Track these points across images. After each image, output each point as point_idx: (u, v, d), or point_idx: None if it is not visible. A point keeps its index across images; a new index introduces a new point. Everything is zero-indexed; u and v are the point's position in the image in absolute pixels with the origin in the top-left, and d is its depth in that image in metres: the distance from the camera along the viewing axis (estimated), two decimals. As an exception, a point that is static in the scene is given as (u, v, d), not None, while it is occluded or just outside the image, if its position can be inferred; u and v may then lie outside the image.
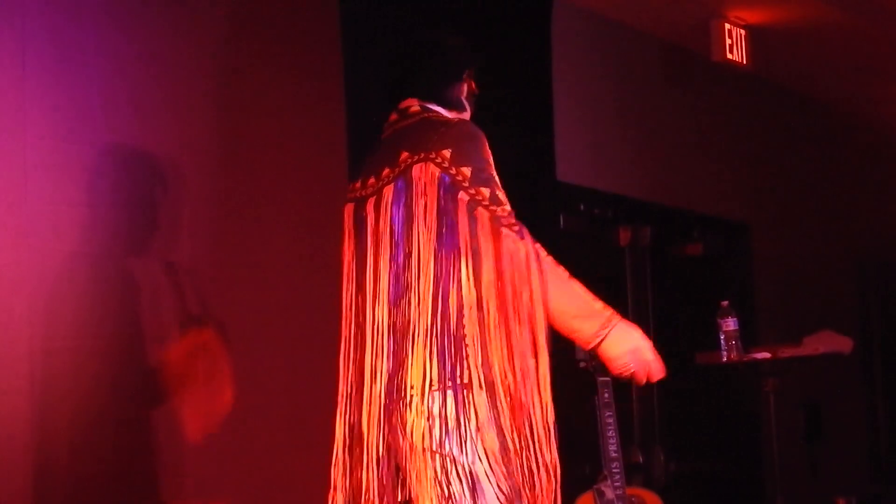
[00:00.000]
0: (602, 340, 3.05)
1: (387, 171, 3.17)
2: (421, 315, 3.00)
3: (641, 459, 6.93)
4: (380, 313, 3.10)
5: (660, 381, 3.16)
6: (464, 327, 2.96)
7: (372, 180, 3.20)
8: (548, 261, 3.06)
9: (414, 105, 3.25)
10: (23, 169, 3.95)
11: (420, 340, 2.99)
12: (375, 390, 3.08)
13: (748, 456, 7.69)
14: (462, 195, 3.01)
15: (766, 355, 5.36)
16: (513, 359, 2.95)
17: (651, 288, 7.26)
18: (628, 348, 3.07)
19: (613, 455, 4.89)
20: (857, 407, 9.31)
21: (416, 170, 3.08)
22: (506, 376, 2.94)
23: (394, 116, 3.28)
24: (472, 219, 2.99)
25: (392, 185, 3.13)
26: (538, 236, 3.12)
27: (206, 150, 4.52)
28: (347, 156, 4.94)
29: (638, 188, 7.18)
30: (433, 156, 3.06)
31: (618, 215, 7.16)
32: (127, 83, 4.28)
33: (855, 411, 9.24)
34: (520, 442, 2.93)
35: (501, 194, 3.05)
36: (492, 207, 3.00)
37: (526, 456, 2.93)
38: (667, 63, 7.49)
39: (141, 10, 4.36)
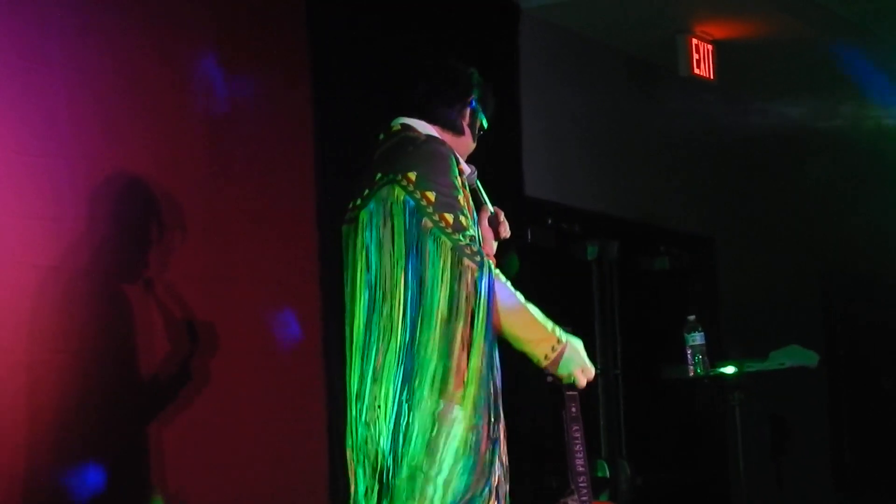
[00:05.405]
0: (550, 364, 3.22)
1: (366, 192, 3.21)
2: (385, 337, 3.09)
3: (608, 473, 6.93)
4: (357, 334, 3.17)
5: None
6: (422, 350, 3.06)
7: (359, 202, 3.24)
8: (504, 288, 3.14)
9: (397, 124, 3.29)
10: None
11: (384, 361, 3.09)
12: (356, 408, 3.16)
13: (714, 469, 7.72)
14: (426, 221, 3.07)
15: (733, 369, 5.38)
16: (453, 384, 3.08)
17: (618, 302, 7.28)
18: (572, 370, 3.26)
19: (580, 469, 4.89)
20: (822, 420, 9.37)
21: (384, 192, 3.14)
22: (445, 397, 3.06)
23: (382, 136, 3.31)
24: (435, 246, 3.06)
25: (367, 208, 3.17)
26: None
27: (173, 161, 4.50)
28: (314, 167, 4.96)
29: (605, 203, 7.20)
30: (399, 178, 3.12)
31: (585, 230, 7.18)
32: (94, 94, 4.26)
33: (820, 424, 9.29)
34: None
35: (465, 219, 3.10)
36: (454, 236, 3.06)
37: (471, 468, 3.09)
38: (634, 78, 7.52)
39: (107, 20, 4.34)
